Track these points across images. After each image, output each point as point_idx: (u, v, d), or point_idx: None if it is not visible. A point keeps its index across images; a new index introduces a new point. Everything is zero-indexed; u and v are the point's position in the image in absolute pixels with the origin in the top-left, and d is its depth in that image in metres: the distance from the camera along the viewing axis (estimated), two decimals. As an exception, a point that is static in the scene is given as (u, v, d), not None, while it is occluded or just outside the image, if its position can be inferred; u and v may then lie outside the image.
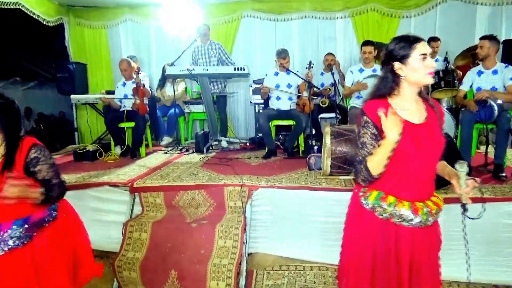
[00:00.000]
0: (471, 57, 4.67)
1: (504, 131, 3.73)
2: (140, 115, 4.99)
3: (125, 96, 5.19)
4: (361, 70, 4.64)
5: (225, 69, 5.10)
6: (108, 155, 4.92)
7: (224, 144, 5.73)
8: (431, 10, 5.83)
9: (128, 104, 5.17)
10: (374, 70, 4.59)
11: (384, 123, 1.61)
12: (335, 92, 5.31)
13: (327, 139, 3.49)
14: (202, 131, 5.34)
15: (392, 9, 5.86)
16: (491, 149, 3.96)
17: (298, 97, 4.95)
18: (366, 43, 4.62)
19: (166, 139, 5.95)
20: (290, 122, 4.90)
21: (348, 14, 6.04)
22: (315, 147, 4.61)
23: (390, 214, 1.74)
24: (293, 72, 4.77)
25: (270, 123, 4.79)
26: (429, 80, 1.70)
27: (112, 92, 5.58)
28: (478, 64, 4.27)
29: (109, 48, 6.86)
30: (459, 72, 4.76)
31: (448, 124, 4.62)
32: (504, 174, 3.63)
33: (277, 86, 4.88)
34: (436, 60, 5.37)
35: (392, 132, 1.59)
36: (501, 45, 5.63)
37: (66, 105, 7.99)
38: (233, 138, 5.79)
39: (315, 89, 4.62)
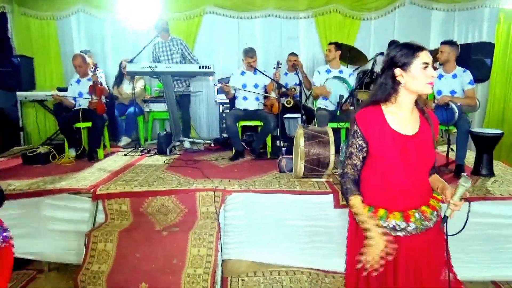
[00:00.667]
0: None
1: (464, 133, 3.91)
2: (98, 115, 4.67)
3: (80, 95, 4.83)
4: (328, 71, 4.65)
5: (190, 67, 4.91)
6: (62, 158, 4.54)
7: (187, 145, 5.54)
8: (390, 13, 6.00)
9: (83, 103, 4.82)
10: (340, 71, 4.63)
11: (369, 236, 1.66)
12: (301, 93, 5.32)
13: (301, 141, 3.45)
14: (165, 132, 5.11)
15: (353, 10, 5.96)
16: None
17: (265, 97, 4.88)
18: (329, 43, 4.65)
19: (125, 140, 5.63)
20: (257, 123, 4.82)
21: (312, 14, 6.06)
22: (283, 148, 4.58)
23: (382, 227, 1.71)
24: (260, 72, 4.69)
25: (237, 124, 4.68)
26: (429, 90, 1.69)
27: (65, 90, 5.17)
28: (436, 68, 4.45)
29: (59, 41, 6.35)
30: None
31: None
32: (465, 174, 3.80)
33: (244, 86, 4.77)
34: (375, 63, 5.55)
35: (373, 247, 1.64)
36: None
37: (6, 102, 7.32)
38: (197, 138, 5.61)
39: (283, 89, 4.57)
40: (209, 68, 4.84)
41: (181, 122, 5.47)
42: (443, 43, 4.20)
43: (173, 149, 5.17)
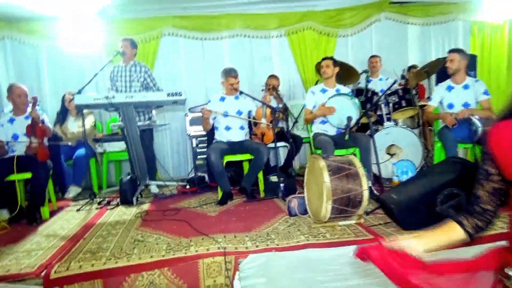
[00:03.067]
0: (425, 74, 4.44)
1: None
2: (39, 162, 3.56)
3: (15, 137, 3.70)
4: (323, 91, 4.02)
5: (156, 96, 4.02)
6: (-9, 224, 3.35)
7: (154, 189, 4.55)
8: (366, 29, 5.64)
9: (18, 148, 3.69)
10: (337, 90, 4.01)
11: None
12: (287, 117, 4.62)
13: (325, 176, 2.69)
14: (129, 176, 4.09)
15: (328, 27, 5.51)
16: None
17: (251, 125, 4.12)
18: (323, 59, 4.03)
19: (74, 190, 4.50)
20: (246, 157, 3.99)
21: (284, 32, 5.50)
22: (281, 185, 3.80)
23: None
24: (247, 95, 3.93)
25: (223, 160, 3.83)
26: None
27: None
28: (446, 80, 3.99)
29: (-21, 76, 5.14)
30: (413, 91, 4.50)
31: (415, 148, 4.27)
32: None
33: (226, 113, 3.97)
34: (380, 80, 5.11)
35: None
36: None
37: None
38: (167, 180, 4.63)
39: (277, 114, 3.81)
40: (180, 95, 3.99)
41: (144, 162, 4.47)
42: (451, 51, 3.78)
43: (139, 196, 4.16)
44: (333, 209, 2.73)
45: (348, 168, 2.80)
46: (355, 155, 3.68)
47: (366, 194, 2.74)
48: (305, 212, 3.15)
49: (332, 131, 3.97)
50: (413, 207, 2.64)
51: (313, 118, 3.98)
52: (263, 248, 2.46)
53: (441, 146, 3.87)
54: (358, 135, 3.76)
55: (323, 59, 3.99)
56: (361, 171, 2.79)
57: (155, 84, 4.54)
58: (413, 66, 5.36)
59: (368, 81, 4.45)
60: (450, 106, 3.82)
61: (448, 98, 3.83)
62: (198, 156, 4.79)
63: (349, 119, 3.50)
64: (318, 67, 4.54)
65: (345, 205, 2.75)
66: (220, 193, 3.86)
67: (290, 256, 2.46)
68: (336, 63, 3.95)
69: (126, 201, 3.97)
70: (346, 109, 3.69)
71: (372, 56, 5.16)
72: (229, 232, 2.81)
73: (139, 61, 4.55)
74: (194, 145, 4.78)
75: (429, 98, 5.12)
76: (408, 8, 5.63)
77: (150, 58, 5.25)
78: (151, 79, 4.51)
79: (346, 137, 3.47)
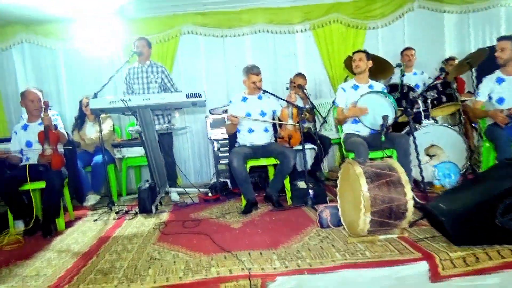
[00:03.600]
0: (468, 66, 4.00)
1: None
2: (53, 171, 3.38)
3: (29, 145, 3.54)
4: (355, 87, 3.66)
5: (175, 97, 3.76)
6: (6, 237, 3.18)
7: (175, 197, 4.33)
8: (398, 20, 5.23)
9: (32, 156, 3.53)
10: (371, 87, 3.65)
11: None
12: (314, 118, 4.29)
13: (362, 184, 2.35)
14: (147, 183, 3.87)
15: (357, 19, 5.13)
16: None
17: (275, 127, 3.81)
18: (354, 52, 3.66)
19: (93, 198, 4.32)
20: (271, 161, 3.69)
21: (309, 26, 5.17)
22: (311, 192, 3.47)
23: None
24: (271, 94, 3.63)
25: (246, 165, 3.53)
26: None
27: (7, 140, 3.87)
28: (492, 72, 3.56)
29: (-3, 80, 5.05)
30: (455, 84, 4.07)
31: (458, 148, 3.85)
32: None
33: (248, 115, 3.68)
34: (414, 74, 4.69)
35: None
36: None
37: None
38: (187, 187, 4.38)
39: (304, 114, 3.48)
40: (200, 96, 3.73)
41: (164, 168, 4.25)
42: (502, 38, 3.35)
43: (158, 204, 3.93)
44: (372, 222, 2.39)
45: (388, 174, 2.45)
46: (391, 157, 3.34)
47: (410, 204, 2.38)
48: (338, 223, 2.82)
49: (365, 132, 3.61)
50: (467, 219, 2.26)
51: (345, 119, 3.62)
52: (294, 270, 2.15)
53: (490, 146, 3.45)
54: (395, 135, 3.38)
55: (355, 52, 3.62)
56: (403, 177, 2.43)
57: (172, 84, 4.31)
58: (451, 58, 4.92)
59: (402, 75, 4.05)
60: (501, 100, 3.40)
61: (498, 91, 3.41)
62: (220, 161, 4.52)
63: (385, 118, 3.13)
64: (347, 62, 4.18)
65: (387, 217, 2.40)
66: (243, 202, 3.58)
67: (325, 279, 2.15)
68: (369, 56, 3.58)
69: (145, 210, 3.75)
70: (380, 107, 3.32)
71: (407, 49, 4.74)
72: (254, 248, 2.51)
73: (155, 61, 4.33)
74: (215, 149, 4.51)
75: (470, 93, 4.68)
76: (444, -5, 5.19)
77: (169, 58, 5.03)
78: (169, 80, 4.29)
79: (382, 138, 3.10)
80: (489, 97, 3.47)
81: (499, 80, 3.41)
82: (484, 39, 5.32)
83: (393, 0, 5.11)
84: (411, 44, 5.05)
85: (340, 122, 3.70)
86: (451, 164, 3.75)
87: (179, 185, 4.69)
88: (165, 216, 3.64)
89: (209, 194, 4.15)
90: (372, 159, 3.40)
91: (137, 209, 3.83)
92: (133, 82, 4.25)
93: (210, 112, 3.96)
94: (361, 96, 3.41)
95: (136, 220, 3.57)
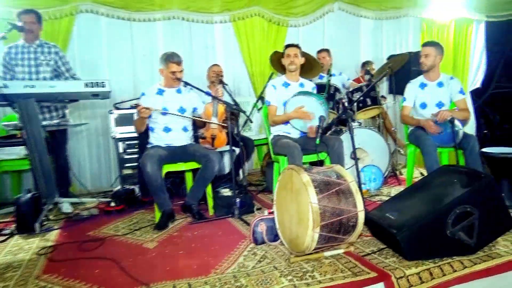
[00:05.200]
0: (389, 70, 4.00)
1: (476, 155, 3.05)
2: None
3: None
4: (286, 85, 3.34)
5: (69, 86, 3.02)
6: None
7: (66, 208, 3.52)
8: (319, 20, 5.12)
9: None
10: (301, 85, 3.36)
11: None
12: (237, 117, 3.89)
13: (311, 195, 2.01)
14: (28, 193, 3.02)
15: (279, 15, 4.87)
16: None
17: (199, 126, 3.31)
18: (289, 45, 3.32)
19: None
20: (192, 166, 3.15)
21: (229, 18, 4.73)
22: (237, 200, 3.05)
23: None
24: (193, 87, 3.10)
25: (161, 170, 2.96)
26: None
27: None
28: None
29: None
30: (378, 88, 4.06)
31: (382, 152, 3.82)
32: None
33: (164, 110, 3.11)
34: (333, 75, 4.57)
35: None
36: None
37: None
38: (84, 195, 3.61)
39: (234, 111, 3.05)
40: (103, 86, 3.06)
41: (53, 172, 3.41)
42: (427, 44, 3.35)
43: (44, 220, 3.12)
44: (320, 238, 2.06)
45: (337, 183, 2.15)
46: (323, 162, 3.10)
47: (361, 216, 2.11)
48: (275, 238, 2.45)
49: (295, 133, 3.32)
50: (419, 232, 2.07)
51: (284, 120, 3.25)
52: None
53: (414, 151, 3.44)
54: (328, 137, 3.14)
55: (289, 46, 3.29)
56: (353, 186, 2.15)
57: (68, 69, 3.54)
58: (368, 62, 4.96)
59: (330, 75, 3.89)
60: (423, 105, 3.41)
61: (421, 96, 3.41)
62: (126, 164, 3.82)
63: (322, 119, 2.86)
64: (273, 58, 3.86)
65: (336, 232, 2.10)
66: (157, 213, 2.99)
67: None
68: (301, 52, 3.30)
69: (26, 229, 2.92)
70: (312, 108, 3.06)
71: (319, 51, 4.60)
72: (179, 276, 1.99)
73: (47, 41, 3.52)
74: (120, 150, 3.78)
75: (383, 97, 4.76)
76: (362, 0, 5.22)
77: (61, 40, 4.12)
78: (64, 63, 3.52)
79: (318, 141, 2.82)
80: (413, 102, 3.47)
81: (422, 86, 3.41)
82: (395, 46, 5.52)
83: (314, -2, 4.99)
84: (330, 45, 4.99)
85: (276, 123, 3.32)
86: (376, 168, 3.69)
87: (73, 193, 3.86)
88: (53, 236, 2.87)
89: (112, 204, 3.45)
90: (304, 164, 3.13)
91: (14, 227, 2.97)
92: (15, 64, 3.37)
93: (114, 106, 3.25)
94: (294, 95, 3.09)
95: (12, 243, 2.74)
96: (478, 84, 5.94)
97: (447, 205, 2.09)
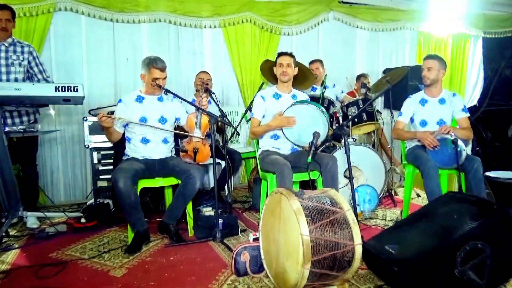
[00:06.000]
0: (387, 83, 3.78)
1: (480, 179, 2.81)
2: None
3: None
4: (277, 96, 3.08)
5: (37, 89, 2.73)
6: None
7: (32, 223, 3.20)
8: (313, 29, 4.90)
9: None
10: (293, 96, 3.11)
11: None
12: (222, 128, 3.62)
13: (302, 226, 1.74)
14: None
15: (272, 22, 4.64)
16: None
17: (180, 138, 3.03)
18: (282, 53, 3.06)
19: None
20: (171, 182, 2.86)
21: (218, 23, 4.48)
22: (220, 221, 2.76)
23: None
24: (176, 96, 2.82)
25: (136, 186, 2.66)
26: None
27: None
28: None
29: None
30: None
31: (377, 171, 3.58)
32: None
33: (143, 120, 2.82)
34: (326, 87, 4.32)
35: None
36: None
37: None
38: (52, 209, 3.29)
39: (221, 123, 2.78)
40: (76, 90, 2.78)
41: (17, 184, 3.08)
42: (430, 57, 3.13)
43: (4, 237, 2.80)
44: (310, 275, 1.78)
45: (332, 211, 1.88)
46: (315, 182, 2.84)
47: (359, 251, 1.85)
48: (260, 269, 2.17)
49: (286, 149, 3.06)
50: (423, 270, 1.81)
51: (264, 131, 3.00)
52: None
53: (413, 171, 3.20)
54: (321, 155, 2.88)
55: (282, 54, 3.02)
56: (350, 215, 1.89)
57: (42, 71, 3.27)
58: (363, 75, 4.74)
59: (324, 87, 3.65)
60: (423, 123, 3.18)
61: (420, 113, 3.19)
62: (101, 176, 3.51)
63: (316, 135, 2.59)
64: (266, 67, 3.62)
65: (329, 268, 1.82)
66: (130, 234, 2.69)
67: None
68: (295, 62, 3.06)
69: (-20, 247, 2.60)
70: (310, 121, 2.80)
71: (312, 62, 4.34)
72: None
73: (20, 40, 3.25)
74: (95, 160, 3.47)
75: (379, 112, 4.53)
76: (358, 10, 5.04)
77: (37, 39, 3.81)
78: (37, 63, 3.26)
79: (309, 159, 2.55)
80: (411, 119, 3.25)
81: (423, 102, 3.19)
82: (391, 59, 5.34)
83: (310, 6, 4.76)
84: (324, 55, 4.77)
85: (256, 135, 3.07)
86: (371, 188, 3.45)
87: (40, 206, 3.53)
88: (11, 256, 2.54)
89: (83, 220, 3.13)
90: (294, 183, 2.87)
91: (-33, 245, 2.65)
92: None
93: (89, 112, 2.95)
94: (292, 105, 2.82)
95: (-37, 264, 2.41)
96: (475, 101, 5.79)
97: (456, 240, 1.84)
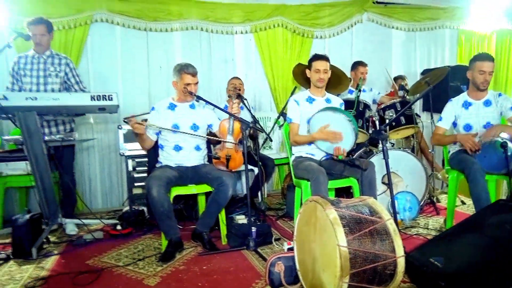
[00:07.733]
0: (426, 85, 3.61)
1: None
2: None
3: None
4: (310, 100, 3.00)
5: (73, 99, 2.77)
6: None
7: (71, 229, 3.26)
8: (346, 32, 4.78)
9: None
10: (327, 100, 3.02)
11: None
12: (255, 134, 3.57)
13: (340, 237, 1.65)
14: (26, 214, 2.78)
15: (303, 26, 4.56)
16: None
17: (212, 144, 3.01)
18: (318, 57, 2.96)
19: None
20: (204, 189, 2.84)
21: (250, 28, 4.46)
22: (253, 229, 2.70)
23: None
24: (208, 103, 2.81)
25: (169, 194, 2.65)
26: None
27: None
28: None
29: None
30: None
31: (417, 177, 3.40)
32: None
33: (175, 127, 2.82)
34: (363, 91, 4.17)
35: None
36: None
37: None
38: (90, 217, 3.35)
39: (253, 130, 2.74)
40: (110, 99, 2.82)
41: (58, 191, 3.18)
42: (490, 59, 2.89)
43: (45, 243, 2.87)
44: (349, 288, 1.68)
45: (371, 221, 1.78)
46: (351, 189, 2.72)
47: (401, 263, 1.73)
48: (295, 280, 2.08)
49: (319, 155, 2.96)
50: (473, 285, 1.66)
51: (309, 141, 2.91)
52: None
53: (457, 177, 3.00)
54: (359, 161, 2.77)
55: (318, 58, 2.90)
56: (391, 225, 1.77)
57: (78, 82, 3.35)
58: (400, 77, 4.55)
59: (359, 91, 3.52)
60: (467, 127, 2.98)
61: (465, 117, 2.99)
62: (136, 184, 3.55)
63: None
64: (298, 71, 3.54)
65: (368, 282, 1.72)
66: (164, 241, 2.68)
67: None
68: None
69: (22, 253, 2.67)
70: (339, 126, 2.69)
71: (362, 65, 4.19)
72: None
73: (58, 52, 3.36)
74: (130, 168, 3.52)
75: (418, 116, 4.34)
76: (394, 10, 4.86)
77: (75, 50, 3.94)
78: (74, 75, 3.34)
79: (340, 156, 2.44)
80: (454, 123, 3.05)
81: (466, 105, 3.00)
82: (429, 58, 5.11)
83: (343, 8, 4.65)
84: (359, 58, 4.60)
85: (298, 143, 2.97)
86: (411, 195, 3.28)
87: (78, 213, 3.62)
88: (50, 262, 2.60)
89: (118, 227, 3.17)
90: (329, 190, 2.76)
91: (10, 251, 2.73)
92: (23, 74, 3.20)
93: (124, 121, 3.00)
94: (319, 111, 2.74)
95: (5, 270, 2.48)
96: (522, 101, 5.42)
97: (511, 254, 1.69)
